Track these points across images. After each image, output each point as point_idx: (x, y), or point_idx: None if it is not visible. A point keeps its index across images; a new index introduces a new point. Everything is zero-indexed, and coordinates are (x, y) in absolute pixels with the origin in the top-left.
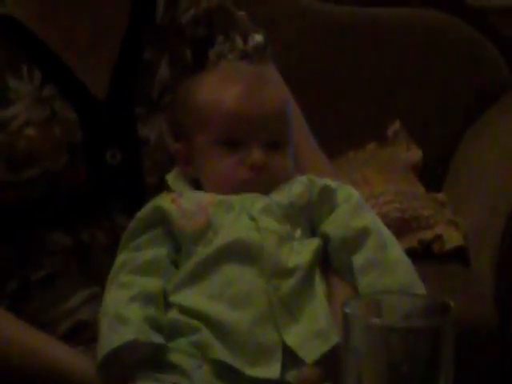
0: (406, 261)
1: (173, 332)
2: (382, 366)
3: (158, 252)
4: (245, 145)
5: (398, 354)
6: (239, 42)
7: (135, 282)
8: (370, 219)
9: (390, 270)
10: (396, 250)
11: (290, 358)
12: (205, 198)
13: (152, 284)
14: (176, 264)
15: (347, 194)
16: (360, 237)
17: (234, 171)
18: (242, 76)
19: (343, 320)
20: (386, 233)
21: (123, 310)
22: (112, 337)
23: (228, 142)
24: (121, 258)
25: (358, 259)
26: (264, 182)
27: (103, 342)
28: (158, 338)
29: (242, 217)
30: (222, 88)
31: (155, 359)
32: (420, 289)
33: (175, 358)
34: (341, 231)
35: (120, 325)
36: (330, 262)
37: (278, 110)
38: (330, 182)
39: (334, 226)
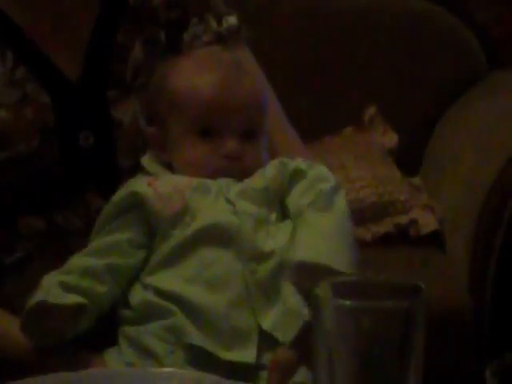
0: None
1: (146, 314)
2: (352, 349)
3: (118, 237)
4: (219, 134)
5: (368, 336)
6: (213, 23)
7: (78, 260)
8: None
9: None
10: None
11: (266, 341)
12: (181, 181)
13: (95, 261)
14: (146, 248)
15: (316, 171)
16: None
17: (207, 160)
18: (218, 64)
19: (313, 302)
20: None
21: (46, 279)
22: (28, 302)
23: (202, 131)
24: (91, 245)
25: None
26: (237, 170)
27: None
28: (71, 299)
29: (220, 200)
30: (198, 76)
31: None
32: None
33: (147, 341)
34: (295, 207)
35: (36, 291)
36: None
37: (254, 101)
38: (302, 163)
39: (293, 199)
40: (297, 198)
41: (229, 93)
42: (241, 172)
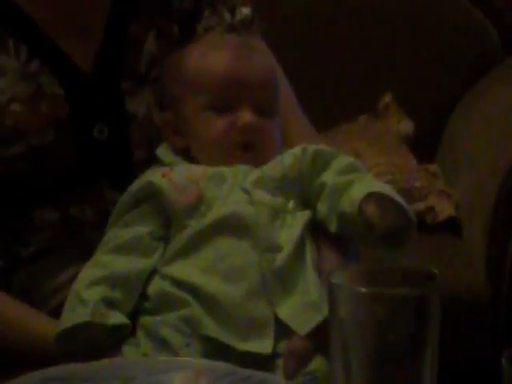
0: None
1: (162, 305)
2: (368, 336)
3: (141, 230)
4: (234, 109)
5: (383, 323)
6: (226, 15)
7: (110, 261)
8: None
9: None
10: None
11: (282, 330)
12: (196, 171)
13: (126, 263)
14: (165, 239)
15: (341, 159)
16: (343, 187)
17: (225, 134)
18: (229, 44)
19: (329, 290)
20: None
21: (84, 290)
22: (68, 315)
23: (217, 107)
24: (108, 234)
25: (345, 197)
26: (254, 144)
27: (62, 319)
28: (116, 319)
29: (236, 190)
30: (210, 54)
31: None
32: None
33: (163, 332)
34: (334, 180)
35: (78, 305)
36: (318, 214)
37: (266, 75)
38: (324, 147)
39: (328, 177)
40: (333, 175)
41: (242, 68)
42: (258, 147)
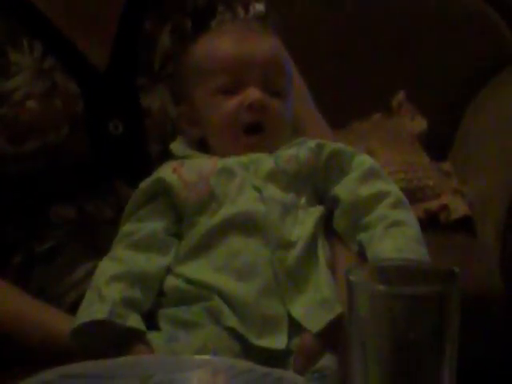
0: (416, 223)
1: (181, 300)
2: (386, 334)
3: (156, 226)
4: (243, 89)
5: (402, 321)
6: (240, 11)
7: (129, 257)
8: (385, 184)
9: (397, 224)
10: (407, 212)
11: (295, 327)
12: (206, 165)
13: (145, 261)
14: (178, 235)
15: (362, 159)
16: (373, 200)
17: (234, 113)
18: (236, 28)
19: (347, 288)
20: (401, 196)
21: (104, 286)
22: (86, 310)
23: (227, 89)
24: (123, 229)
25: (368, 218)
26: (264, 123)
27: (79, 313)
28: (133, 321)
29: (246, 186)
30: (216, 39)
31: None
32: (424, 255)
33: (187, 315)
34: (353, 195)
35: (97, 301)
36: (335, 224)
37: (274, 56)
38: (343, 145)
39: (345, 189)
40: (352, 187)
41: (249, 49)
42: (267, 125)
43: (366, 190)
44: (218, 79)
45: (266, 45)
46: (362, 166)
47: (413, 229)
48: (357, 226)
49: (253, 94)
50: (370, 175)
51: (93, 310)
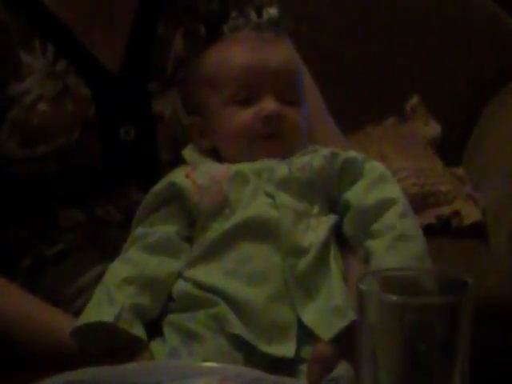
0: (421, 235)
1: (188, 305)
2: (397, 344)
3: (169, 230)
4: (257, 100)
5: (413, 331)
6: (253, 16)
7: (142, 260)
8: (393, 191)
9: (404, 238)
10: (413, 223)
11: (305, 335)
12: (219, 171)
13: (158, 265)
14: (190, 240)
15: (372, 165)
16: (381, 206)
17: (249, 124)
18: (249, 38)
19: (358, 297)
20: (407, 205)
21: (115, 289)
22: (94, 310)
23: (241, 99)
24: (135, 232)
25: (376, 226)
26: (280, 135)
27: (85, 312)
28: (138, 331)
29: (259, 193)
30: (229, 48)
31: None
32: (427, 266)
33: (191, 325)
34: (361, 201)
35: (106, 303)
36: (344, 229)
37: (287, 65)
38: (355, 154)
39: (355, 195)
40: (362, 193)
41: (262, 57)
42: (282, 135)
43: (374, 196)
44: (231, 89)
45: (278, 54)
46: (372, 172)
47: (418, 244)
48: (365, 232)
49: (269, 105)
50: (379, 181)
51: (100, 311)
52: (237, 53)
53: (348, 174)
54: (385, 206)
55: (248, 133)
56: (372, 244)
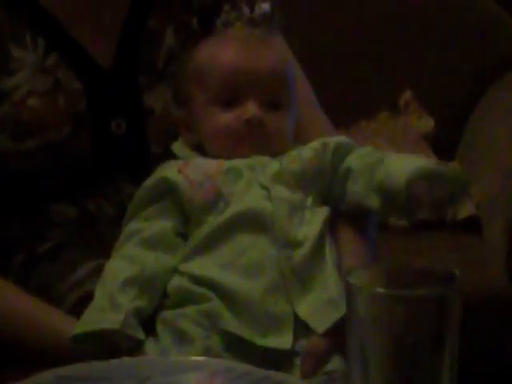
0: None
1: (182, 300)
2: (386, 336)
3: (164, 225)
4: (241, 101)
5: (402, 323)
6: (246, 10)
7: (139, 256)
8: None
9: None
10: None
11: (301, 328)
12: (212, 166)
13: (155, 261)
14: (184, 235)
15: (362, 147)
16: (381, 158)
17: (230, 126)
18: (239, 36)
19: (346, 290)
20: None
21: (118, 293)
22: (98, 317)
23: (225, 99)
24: (128, 227)
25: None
26: (260, 138)
27: (87, 317)
28: (140, 334)
29: (254, 185)
30: (221, 46)
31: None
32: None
33: (183, 325)
34: (364, 161)
35: (110, 309)
36: (351, 192)
37: (276, 68)
38: (344, 138)
39: (355, 159)
40: (362, 154)
41: (251, 61)
42: (264, 139)
43: (375, 157)
44: (217, 89)
45: (268, 57)
46: (362, 149)
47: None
48: (370, 183)
49: (250, 110)
50: (371, 153)
51: (106, 318)
52: (225, 53)
53: (340, 153)
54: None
55: (229, 135)
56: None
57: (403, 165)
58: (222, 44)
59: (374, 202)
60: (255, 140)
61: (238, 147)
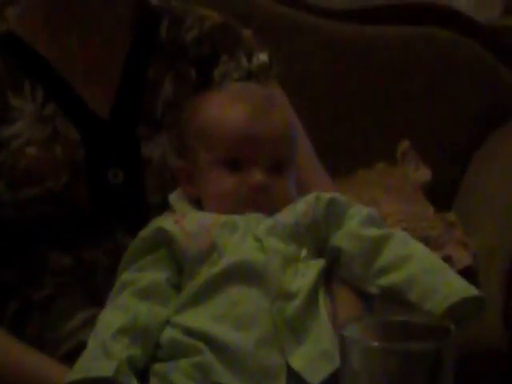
0: (429, 251)
1: (175, 353)
2: None
3: (158, 276)
4: (247, 165)
5: (396, 377)
6: (244, 60)
7: (132, 306)
8: (385, 229)
9: (413, 257)
10: (419, 245)
11: (294, 380)
12: (208, 218)
13: (148, 312)
14: (178, 287)
15: (357, 208)
16: (379, 243)
17: (234, 191)
18: (248, 96)
19: (340, 343)
20: (404, 234)
21: (111, 341)
22: (91, 365)
23: (231, 162)
24: (122, 278)
25: (382, 261)
26: (264, 203)
27: (80, 365)
28: (133, 382)
29: (248, 238)
30: (229, 107)
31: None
32: (447, 270)
33: (175, 378)
34: (355, 242)
35: (103, 357)
36: (344, 273)
37: (284, 134)
38: (338, 195)
39: (346, 238)
40: (354, 231)
41: (258, 125)
42: (268, 204)
43: (370, 233)
44: (223, 152)
45: (277, 121)
46: (359, 213)
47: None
48: (373, 270)
49: (256, 176)
50: (370, 221)
51: (99, 365)
52: (232, 116)
53: (333, 216)
54: (384, 239)
55: (233, 199)
56: (387, 280)
57: (444, 289)
58: (228, 105)
59: (372, 289)
60: (260, 205)
61: (241, 211)
